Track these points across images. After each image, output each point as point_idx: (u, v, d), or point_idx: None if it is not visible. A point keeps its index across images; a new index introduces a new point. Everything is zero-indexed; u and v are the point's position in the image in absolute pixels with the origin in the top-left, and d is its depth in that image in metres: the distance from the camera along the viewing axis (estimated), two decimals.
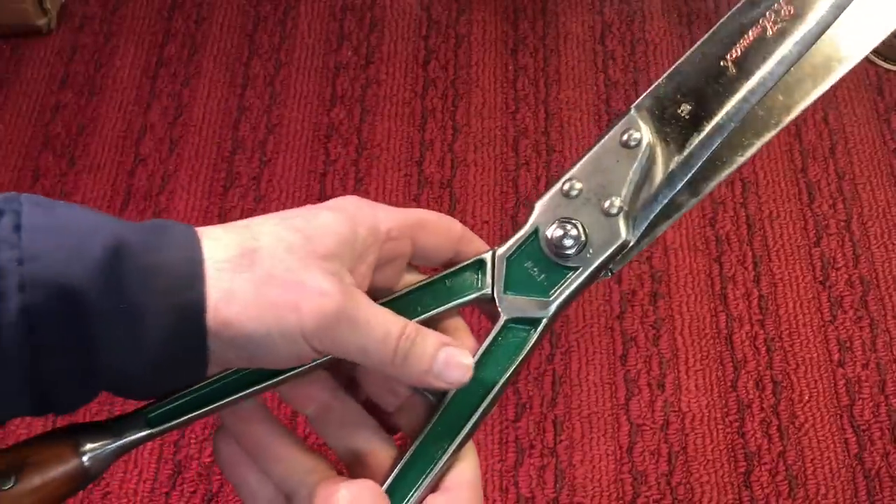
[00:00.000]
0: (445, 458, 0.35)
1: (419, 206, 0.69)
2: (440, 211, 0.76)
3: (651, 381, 0.61)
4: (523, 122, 0.73)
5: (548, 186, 0.39)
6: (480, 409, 0.35)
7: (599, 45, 0.78)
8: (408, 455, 0.35)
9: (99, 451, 0.32)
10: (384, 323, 0.30)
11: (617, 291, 0.64)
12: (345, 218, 0.31)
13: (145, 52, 0.77)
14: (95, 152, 0.71)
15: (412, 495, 0.34)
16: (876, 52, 0.76)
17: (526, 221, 0.37)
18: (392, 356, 0.30)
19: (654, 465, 0.58)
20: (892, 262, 0.66)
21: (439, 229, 0.35)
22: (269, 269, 0.28)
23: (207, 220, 0.68)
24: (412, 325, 0.31)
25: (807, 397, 0.61)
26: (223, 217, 0.68)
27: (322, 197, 0.69)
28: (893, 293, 0.65)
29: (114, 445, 0.33)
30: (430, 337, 0.32)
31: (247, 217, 0.66)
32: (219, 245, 0.27)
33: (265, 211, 0.68)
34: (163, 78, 0.75)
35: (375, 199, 0.78)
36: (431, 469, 0.35)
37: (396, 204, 0.69)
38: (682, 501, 0.57)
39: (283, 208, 0.74)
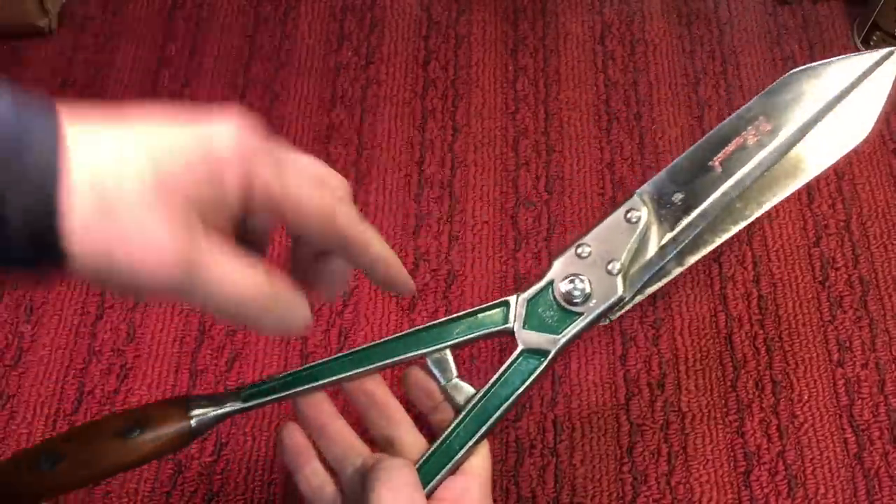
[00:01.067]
0: (464, 451, 0.44)
1: (420, 206, 0.69)
2: (440, 211, 0.76)
3: (651, 381, 0.61)
4: (523, 123, 0.73)
5: (565, 248, 0.50)
6: (494, 417, 0.45)
7: (599, 45, 0.78)
8: (435, 445, 0.44)
9: (203, 417, 0.42)
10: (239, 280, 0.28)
11: None
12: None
13: (146, 52, 0.77)
14: None
15: (438, 475, 0.44)
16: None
17: (545, 273, 0.49)
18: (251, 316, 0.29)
19: (654, 465, 0.58)
20: (891, 263, 0.66)
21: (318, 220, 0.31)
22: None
23: None
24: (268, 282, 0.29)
25: (806, 397, 0.61)
26: None
27: None
28: (893, 293, 0.65)
29: (214, 413, 0.43)
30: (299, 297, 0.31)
31: None
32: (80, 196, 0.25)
33: None
34: (163, 78, 0.75)
35: (376, 200, 0.79)
36: (453, 458, 0.44)
37: (398, 203, 0.69)
38: (681, 501, 0.57)
39: None
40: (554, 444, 0.59)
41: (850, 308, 0.64)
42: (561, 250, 0.51)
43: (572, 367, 0.61)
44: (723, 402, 0.61)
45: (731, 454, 0.59)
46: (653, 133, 0.73)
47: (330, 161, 0.71)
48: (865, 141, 0.53)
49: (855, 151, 0.72)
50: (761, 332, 0.63)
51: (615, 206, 0.53)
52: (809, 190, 0.70)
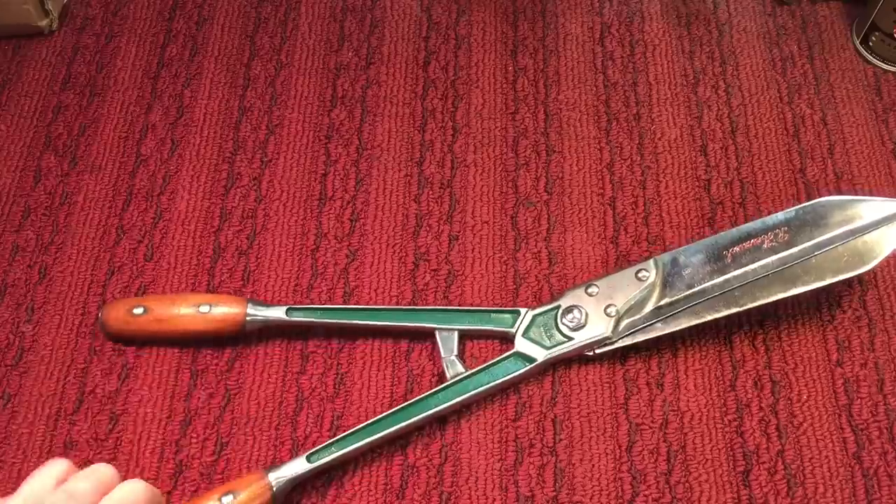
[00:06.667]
0: (436, 410, 0.56)
1: (420, 206, 0.69)
2: (440, 211, 0.76)
3: (650, 381, 0.61)
4: (523, 123, 0.73)
5: (580, 284, 0.61)
6: (468, 394, 0.57)
7: (599, 45, 0.78)
8: (416, 399, 0.56)
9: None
10: None
11: None
12: None
13: (147, 52, 0.77)
14: (97, 153, 0.71)
15: (410, 419, 0.55)
16: (873, 52, 0.76)
17: (558, 298, 0.60)
18: None
19: (653, 464, 0.58)
20: (890, 263, 0.67)
21: None
22: None
23: (209, 221, 0.68)
24: None
25: (805, 397, 0.61)
26: (224, 217, 0.68)
27: (322, 197, 0.69)
28: (892, 293, 0.65)
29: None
30: None
31: (247, 216, 0.67)
32: None
33: (266, 211, 0.68)
34: (164, 79, 0.76)
35: (377, 200, 0.79)
36: (425, 412, 0.55)
37: (398, 204, 0.69)
38: (680, 500, 0.57)
39: (285, 209, 0.75)
40: (553, 443, 0.59)
41: (849, 308, 0.65)
42: (576, 285, 0.61)
43: (572, 366, 0.61)
44: (722, 401, 0.61)
45: (731, 453, 0.59)
46: (652, 133, 0.73)
47: (330, 161, 0.71)
48: (864, 268, 0.58)
49: (854, 152, 0.72)
50: (760, 331, 0.64)
51: (630, 264, 0.62)
52: (808, 190, 0.70)
